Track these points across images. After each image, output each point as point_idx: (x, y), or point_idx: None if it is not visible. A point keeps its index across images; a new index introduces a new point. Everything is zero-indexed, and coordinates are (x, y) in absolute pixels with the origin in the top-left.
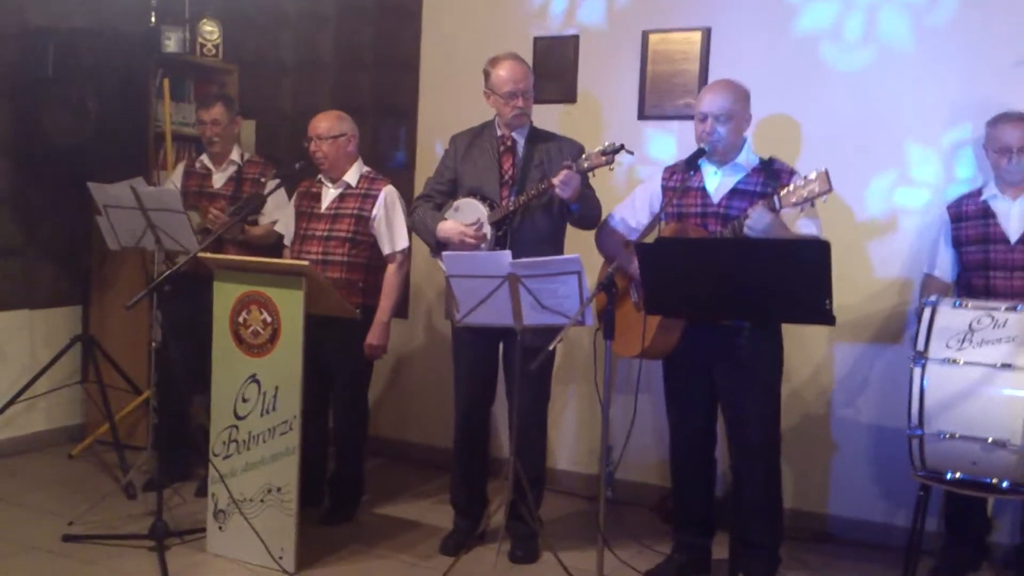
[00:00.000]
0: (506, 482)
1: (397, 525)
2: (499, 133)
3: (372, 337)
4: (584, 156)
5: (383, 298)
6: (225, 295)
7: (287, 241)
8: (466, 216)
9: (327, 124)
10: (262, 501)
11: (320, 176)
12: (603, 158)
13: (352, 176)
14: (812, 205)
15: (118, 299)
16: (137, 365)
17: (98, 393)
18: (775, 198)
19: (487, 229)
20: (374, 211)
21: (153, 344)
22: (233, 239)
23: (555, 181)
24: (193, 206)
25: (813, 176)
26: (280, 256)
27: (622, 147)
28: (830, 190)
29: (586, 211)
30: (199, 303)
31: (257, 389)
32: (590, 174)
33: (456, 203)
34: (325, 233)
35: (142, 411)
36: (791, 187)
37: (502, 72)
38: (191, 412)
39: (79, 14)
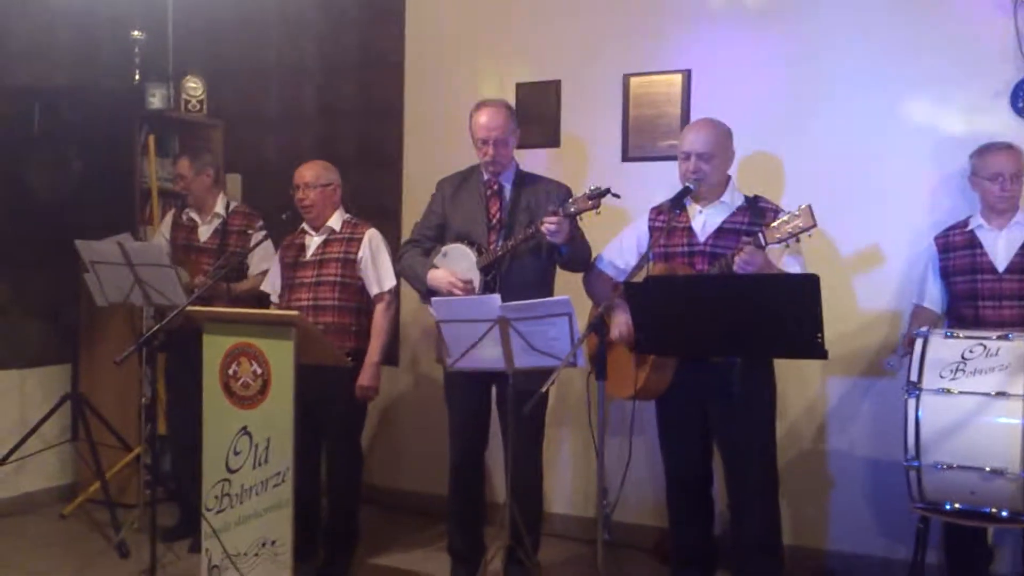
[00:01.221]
0: (502, 528)
1: None
2: (485, 177)
3: (364, 378)
4: (570, 201)
5: (373, 338)
6: (214, 347)
7: (274, 299)
8: (455, 262)
9: (314, 172)
10: (256, 555)
11: (303, 226)
12: (589, 202)
13: (335, 222)
14: (797, 241)
15: (107, 356)
16: (127, 422)
17: (89, 451)
18: (760, 235)
19: (477, 283)
20: (360, 253)
21: (143, 400)
22: (219, 297)
23: (543, 228)
24: (181, 262)
25: (797, 212)
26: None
27: (608, 191)
28: (814, 225)
29: (576, 253)
30: (200, 355)
31: (248, 441)
32: (577, 217)
33: (444, 249)
34: (313, 279)
35: (133, 468)
36: (776, 223)
37: (478, 118)
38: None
39: (64, 73)
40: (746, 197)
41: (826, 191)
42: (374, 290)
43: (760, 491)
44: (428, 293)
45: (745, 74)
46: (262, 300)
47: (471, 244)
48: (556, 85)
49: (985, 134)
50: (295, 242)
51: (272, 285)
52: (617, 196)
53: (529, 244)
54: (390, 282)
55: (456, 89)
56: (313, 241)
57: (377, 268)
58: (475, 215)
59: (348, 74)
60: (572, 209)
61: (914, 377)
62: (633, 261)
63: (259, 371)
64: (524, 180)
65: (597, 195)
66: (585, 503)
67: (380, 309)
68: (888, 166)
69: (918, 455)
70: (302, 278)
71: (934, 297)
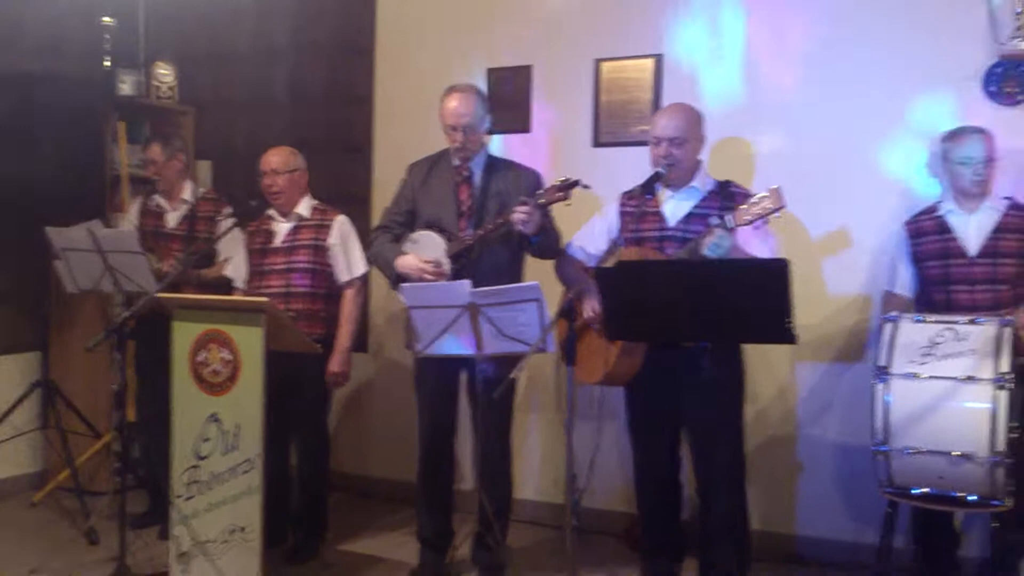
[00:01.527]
0: (471, 514)
1: (363, 561)
2: (456, 163)
3: (334, 364)
4: (540, 191)
5: (342, 324)
6: (184, 334)
7: (239, 283)
8: (424, 249)
9: (281, 158)
10: (225, 542)
11: (269, 212)
12: (559, 193)
13: (304, 208)
14: (766, 223)
15: (77, 343)
16: (98, 409)
17: (59, 439)
18: (729, 217)
19: (446, 266)
20: (330, 240)
21: (114, 387)
22: (188, 283)
23: (514, 219)
24: (150, 248)
25: (766, 193)
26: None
27: (578, 182)
28: (783, 206)
29: (546, 242)
30: (169, 342)
31: (218, 428)
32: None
33: (414, 235)
34: (284, 266)
35: (103, 456)
36: (744, 205)
37: (447, 104)
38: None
39: (33, 59)
40: (717, 182)
41: (796, 176)
42: (344, 277)
43: (727, 476)
44: (397, 279)
45: (716, 59)
46: (231, 286)
47: (441, 231)
48: (527, 70)
49: (957, 118)
50: (262, 228)
51: (237, 271)
52: (587, 187)
53: (499, 232)
54: (360, 269)
55: (427, 74)
56: (282, 227)
57: (348, 255)
58: (445, 202)
59: (318, 60)
60: (542, 200)
61: (883, 361)
62: (604, 246)
63: (229, 358)
64: (494, 166)
65: (567, 186)
66: (554, 489)
67: (350, 295)
68: (859, 150)
69: (886, 439)
70: (272, 265)
71: (905, 283)
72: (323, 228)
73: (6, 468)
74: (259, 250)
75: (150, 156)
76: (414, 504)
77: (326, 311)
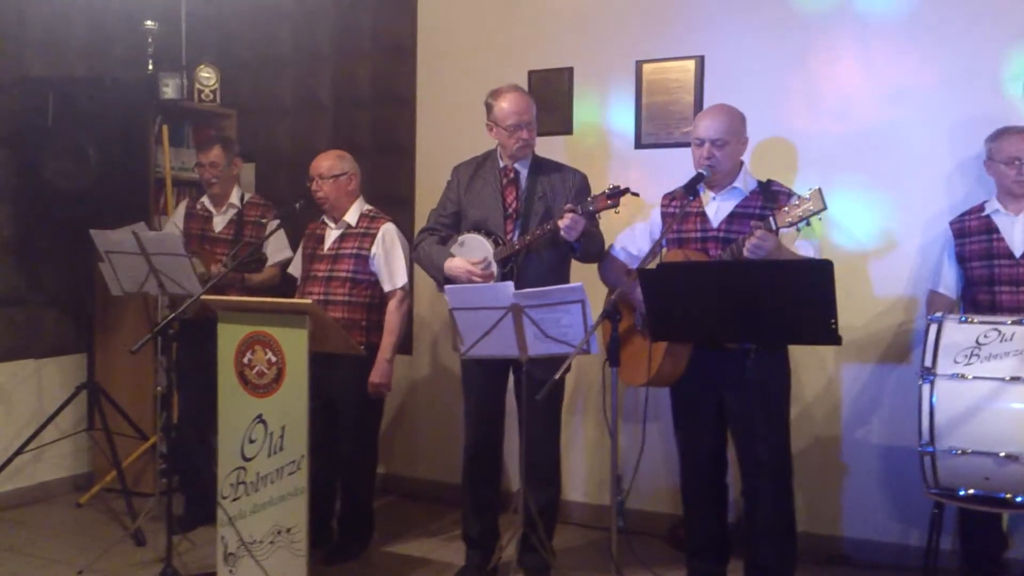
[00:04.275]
0: (517, 515)
1: (407, 563)
2: (501, 164)
3: (375, 375)
4: (589, 199)
5: (385, 335)
6: (229, 336)
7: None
8: (471, 252)
9: (328, 163)
10: (272, 543)
11: (323, 217)
12: (608, 201)
13: (352, 216)
14: (808, 224)
15: (122, 345)
16: (143, 411)
17: (105, 441)
18: (771, 219)
19: (494, 268)
20: (373, 249)
21: (159, 389)
22: (233, 286)
23: (560, 224)
24: (195, 252)
25: (807, 195)
26: (287, 297)
27: (627, 190)
28: (824, 208)
29: (590, 247)
30: (210, 346)
31: (264, 430)
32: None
33: (461, 238)
34: (326, 274)
35: (149, 457)
36: (786, 207)
37: (505, 104)
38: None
39: (78, 63)
40: (759, 182)
41: (840, 176)
42: (387, 287)
43: (774, 477)
44: (445, 282)
45: (759, 59)
46: (276, 293)
47: (488, 235)
48: (569, 72)
49: (1001, 118)
50: (316, 232)
51: (297, 269)
52: (636, 194)
53: (545, 237)
54: (402, 279)
55: (468, 76)
56: (331, 234)
57: (390, 264)
58: (491, 203)
59: (360, 61)
60: (591, 208)
61: (928, 362)
62: (646, 247)
63: (273, 359)
64: (540, 167)
65: (616, 194)
66: (600, 491)
67: (392, 306)
68: (903, 151)
69: (932, 440)
70: (316, 271)
71: (949, 283)
72: (367, 237)
73: (53, 470)
74: (309, 255)
75: (211, 159)
76: (460, 504)
77: (367, 319)
